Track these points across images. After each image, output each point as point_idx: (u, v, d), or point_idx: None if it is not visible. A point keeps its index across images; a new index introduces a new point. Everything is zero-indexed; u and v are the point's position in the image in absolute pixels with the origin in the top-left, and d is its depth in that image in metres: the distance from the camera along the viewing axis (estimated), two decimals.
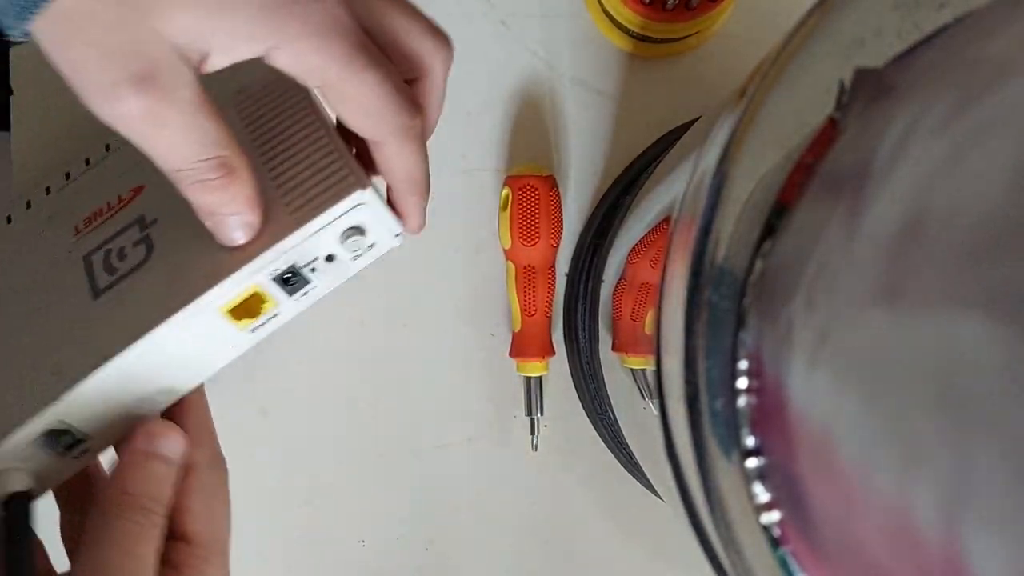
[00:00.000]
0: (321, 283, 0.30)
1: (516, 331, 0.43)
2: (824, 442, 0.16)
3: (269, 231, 0.28)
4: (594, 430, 0.44)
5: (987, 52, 0.17)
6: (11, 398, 0.29)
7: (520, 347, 0.43)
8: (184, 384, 0.30)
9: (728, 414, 0.19)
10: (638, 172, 0.43)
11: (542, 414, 0.43)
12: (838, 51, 0.20)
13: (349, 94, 0.26)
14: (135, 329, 0.28)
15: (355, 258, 0.30)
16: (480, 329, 0.44)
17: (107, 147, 0.37)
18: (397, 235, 0.30)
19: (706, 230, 0.19)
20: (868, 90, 0.19)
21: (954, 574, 0.13)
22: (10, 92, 0.43)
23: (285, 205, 0.29)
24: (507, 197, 0.42)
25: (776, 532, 0.19)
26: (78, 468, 0.31)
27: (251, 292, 0.29)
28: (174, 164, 0.26)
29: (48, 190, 0.38)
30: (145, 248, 0.31)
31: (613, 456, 0.44)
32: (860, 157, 0.18)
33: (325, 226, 0.28)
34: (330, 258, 0.29)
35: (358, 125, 0.28)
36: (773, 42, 0.21)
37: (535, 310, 0.43)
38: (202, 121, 0.26)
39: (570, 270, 0.44)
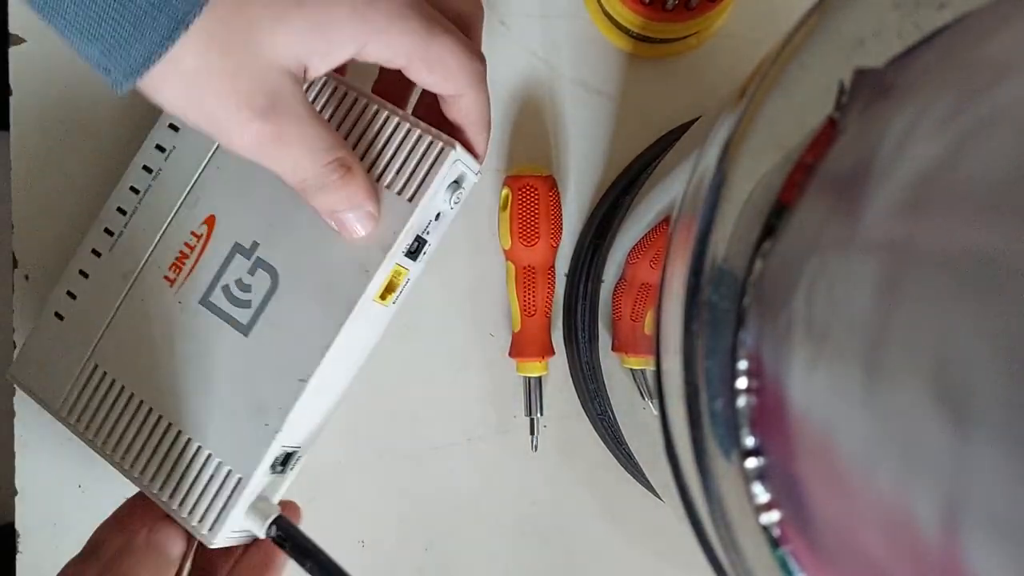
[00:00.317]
0: (434, 240, 0.33)
1: (516, 331, 0.43)
2: (824, 442, 0.16)
3: (387, 214, 0.31)
4: (594, 430, 0.44)
5: (987, 52, 0.17)
6: (231, 448, 0.31)
7: (520, 347, 0.43)
8: (355, 368, 0.34)
9: (728, 414, 0.19)
10: (638, 172, 0.43)
11: (542, 414, 0.43)
12: (838, 51, 0.20)
13: (433, 61, 0.29)
14: (314, 347, 0.31)
15: (453, 207, 0.33)
16: (480, 329, 0.44)
17: (133, 189, 0.36)
18: (477, 172, 0.33)
19: (706, 230, 0.19)
20: (868, 90, 0.19)
21: (954, 575, 0.13)
22: (9, 92, 0.43)
23: (387, 187, 0.31)
24: (507, 197, 0.42)
25: (776, 532, 0.19)
26: (294, 476, 0.34)
27: (393, 273, 0.32)
28: (300, 176, 0.28)
29: (97, 253, 0.36)
30: (266, 272, 0.32)
31: (613, 456, 0.44)
32: (860, 157, 0.18)
33: (437, 192, 0.31)
34: (438, 216, 0.32)
35: (443, 86, 0.30)
36: (773, 42, 0.21)
37: (535, 310, 0.43)
38: (317, 130, 0.28)
39: (570, 270, 0.44)
